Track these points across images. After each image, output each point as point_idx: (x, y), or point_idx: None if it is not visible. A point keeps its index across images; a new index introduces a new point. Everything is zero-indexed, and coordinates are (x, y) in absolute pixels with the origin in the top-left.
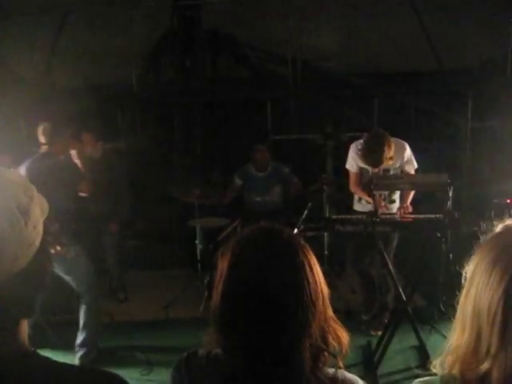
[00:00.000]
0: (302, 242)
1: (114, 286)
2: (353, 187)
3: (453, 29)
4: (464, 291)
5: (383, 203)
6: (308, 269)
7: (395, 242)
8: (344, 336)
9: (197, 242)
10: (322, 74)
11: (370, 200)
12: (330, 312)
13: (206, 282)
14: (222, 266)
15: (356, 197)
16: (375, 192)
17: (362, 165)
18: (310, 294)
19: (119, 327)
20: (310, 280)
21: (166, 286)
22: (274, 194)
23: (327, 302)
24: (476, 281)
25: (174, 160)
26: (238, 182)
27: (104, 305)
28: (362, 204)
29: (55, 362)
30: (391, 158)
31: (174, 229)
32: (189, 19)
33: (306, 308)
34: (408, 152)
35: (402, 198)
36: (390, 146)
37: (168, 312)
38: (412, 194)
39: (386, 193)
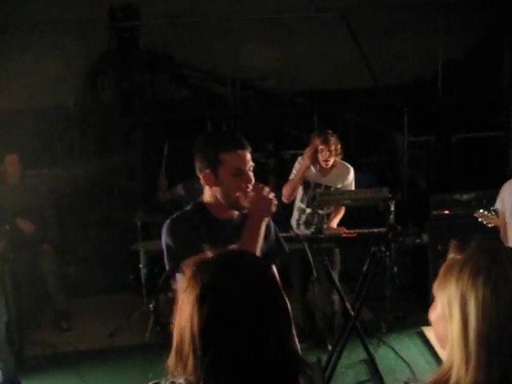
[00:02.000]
0: (266, 264)
1: (57, 314)
2: (288, 193)
3: (386, 47)
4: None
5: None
6: (277, 290)
7: (339, 258)
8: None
9: (140, 266)
10: (261, 93)
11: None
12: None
13: (151, 307)
14: (189, 296)
15: (294, 222)
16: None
17: (307, 176)
18: (283, 313)
19: (63, 358)
20: (280, 301)
21: (111, 313)
22: None
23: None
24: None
25: (115, 183)
26: (181, 191)
27: (47, 335)
28: (300, 230)
29: None
30: (336, 152)
31: (117, 253)
32: (126, 40)
33: (283, 329)
34: (352, 176)
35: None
36: (337, 138)
37: (113, 340)
38: (340, 215)
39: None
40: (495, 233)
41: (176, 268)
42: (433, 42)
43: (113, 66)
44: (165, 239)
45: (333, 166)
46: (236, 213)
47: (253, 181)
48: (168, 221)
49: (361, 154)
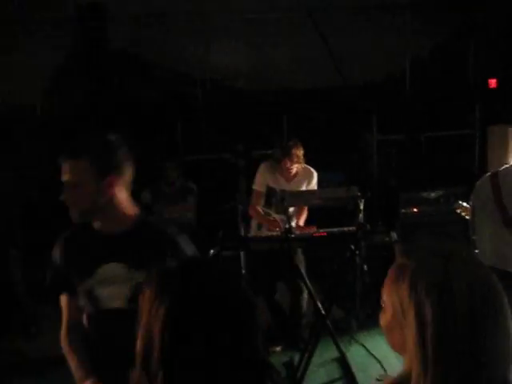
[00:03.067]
0: (226, 272)
1: (25, 319)
2: (253, 208)
3: (355, 46)
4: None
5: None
6: (248, 298)
7: (302, 257)
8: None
9: None
10: (231, 93)
11: (267, 222)
12: None
13: None
14: (151, 309)
15: (254, 224)
16: (277, 216)
17: (272, 183)
18: (254, 322)
19: (33, 366)
20: (248, 301)
21: None
22: (183, 210)
23: None
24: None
25: None
26: (147, 196)
27: (15, 342)
28: (262, 232)
29: None
30: (298, 160)
31: None
32: (94, 40)
33: (254, 337)
34: (315, 180)
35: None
36: (299, 146)
37: None
38: (305, 214)
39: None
40: (465, 229)
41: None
42: (401, 40)
43: (80, 66)
44: None
45: (296, 172)
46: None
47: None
48: None
49: (330, 152)
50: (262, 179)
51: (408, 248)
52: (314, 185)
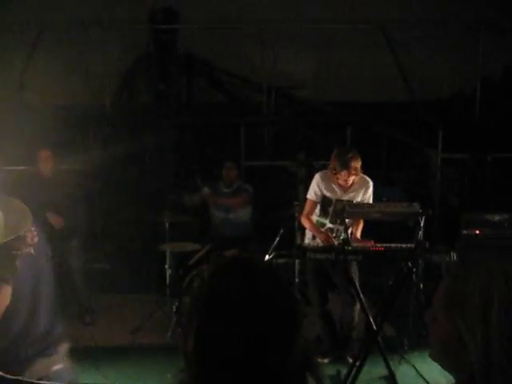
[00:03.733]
0: (276, 272)
1: (82, 309)
2: (305, 217)
3: (425, 61)
4: None
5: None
6: (287, 297)
7: (357, 273)
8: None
9: (166, 266)
10: (295, 101)
11: (317, 234)
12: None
13: (174, 308)
14: (195, 302)
15: (309, 233)
16: (332, 226)
17: (327, 193)
18: (293, 321)
19: (84, 353)
20: (290, 307)
21: (134, 311)
22: (239, 212)
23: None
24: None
25: (145, 183)
26: (206, 190)
27: (70, 329)
28: (316, 241)
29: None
30: (356, 172)
31: (144, 252)
32: (165, 43)
33: (291, 335)
34: (371, 189)
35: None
36: (357, 157)
37: (135, 338)
38: (361, 226)
39: (342, 228)
40: None
41: None
42: (472, 59)
43: (150, 67)
44: None
45: (353, 181)
46: None
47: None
48: None
49: (392, 168)
50: (317, 189)
51: (469, 266)
52: (369, 194)
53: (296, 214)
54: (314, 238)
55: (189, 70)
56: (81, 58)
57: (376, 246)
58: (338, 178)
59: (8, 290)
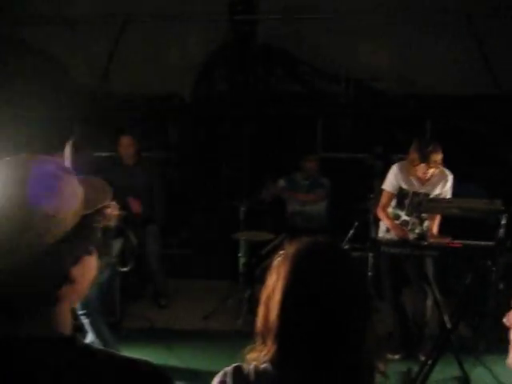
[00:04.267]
0: (354, 259)
1: (157, 291)
2: (381, 209)
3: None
4: None
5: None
6: (363, 283)
7: (431, 269)
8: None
9: (240, 254)
10: (374, 93)
11: (392, 227)
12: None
13: (246, 295)
14: (278, 278)
15: (383, 226)
16: (407, 218)
17: (405, 185)
18: (367, 307)
19: (158, 334)
20: (365, 293)
21: (207, 297)
22: (315, 205)
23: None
24: None
25: (222, 172)
26: (282, 183)
27: (146, 310)
28: (390, 234)
29: (98, 350)
30: (435, 165)
31: (218, 240)
32: (243, 34)
33: (365, 321)
34: (450, 183)
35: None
36: (438, 150)
37: (207, 323)
38: (438, 221)
39: (417, 221)
40: None
41: None
42: None
43: (229, 58)
44: None
45: (432, 174)
46: None
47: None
48: None
49: (473, 164)
50: (394, 180)
51: None
52: (448, 188)
53: (371, 207)
54: (388, 230)
55: (267, 60)
56: (161, 50)
57: (453, 243)
58: (416, 171)
59: (93, 261)
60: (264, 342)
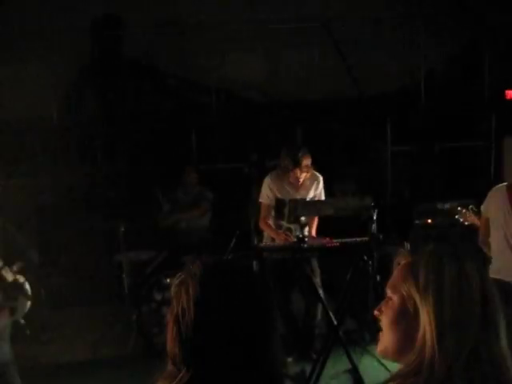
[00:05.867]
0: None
1: (36, 327)
2: (263, 221)
3: (369, 57)
4: None
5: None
6: (266, 294)
7: (317, 267)
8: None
9: (123, 276)
10: (245, 103)
11: (276, 237)
12: None
13: (134, 318)
14: (188, 299)
15: (266, 235)
16: (290, 225)
17: (280, 194)
18: (272, 317)
19: (44, 370)
20: (270, 304)
21: (92, 324)
22: (200, 218)
23: None
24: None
25: (97, 193)
26: (166, 206)
27: (27, 347)
28: (275, 242)
29: None
30: (307, 169)
31: (99, 263)
32: (109, 50)
33: (273, 332)
34: (322, 185)
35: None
36: (307, 155)
37: (95, 352)
38: (315, 224)
39: (297, 226)
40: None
41: None
42: (415, 52)
43: (96, 76)
44: None
45: (304, 179)
46: None
47: None
48: None
49: (343, 164)
50: (270, 192)
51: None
52: (321, 189)
53: (251, 216)
54: (273, 240)
55: (135, 76)
56: (24, 68)
57: (331, 242)
58: (289, 177)
59: None
60: (173, 367)
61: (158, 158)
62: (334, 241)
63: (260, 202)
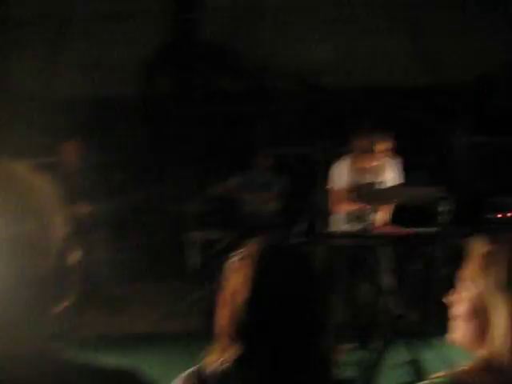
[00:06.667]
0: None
1: (109, 298)
2: (337, 203)
3: (448, 45)
4: None
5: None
6: (321, 279)
7: (389, 256)
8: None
9: (191, 254)
10: (318, 88)
11: (353, 207)
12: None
13: (199, 296)
14: (243, 278)
15: (341, 218)
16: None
17: (351, 178)
18: (327, 302)
19: (113, 340)
20: (324, 289)
21: (158, 300)
22: (271, 202)
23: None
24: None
25: (169, 172)
26: (233, 181)
27: (95, 317)
28: (348, 226)
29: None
30: (382, 154)
31: (169, 241)
32: (185, 32)
33: (325, 317)
34: (395, 171)
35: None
36: (383, 140)
37: (160, 326)
38: (388, 211)
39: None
40: None
41: None
42: (496, 39)
43: (170, 57)
44: None
45: (377, 164)
46: None
47: None
48: None
49: (416, 153)
50: (342, 175)
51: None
52: (394, 175)
53: (319, 201)
54: (347, 222)
55: (209, 58)
56: (103, 50)
57: (400, 231)
58: (364, 162)
59: None
60: (224, 343)
61: (229, 140)
62: (402, 229)
63: (331, 187)
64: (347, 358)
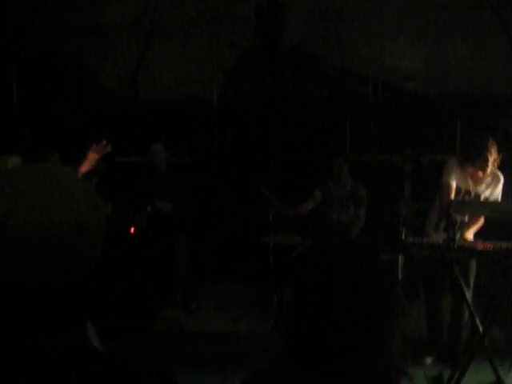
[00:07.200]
0: (380, 267)
1: (186, 296)
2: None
3: None
4: None
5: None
6: (389, 288)
7: (474, 271)
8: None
9: (269, 258)
10: (403, 94)
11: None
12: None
13: (275, 298)
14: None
15: (431, 226)
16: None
17: (458, 183)
18: (392, 311)
19: (187, 337)
20: (390, 298)
21: (236, 300)
22: (351, 213)
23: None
24: None
25: (251, 176)
26: (318, 194)
27: (175, 314)
28: (437, 234)
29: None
30: (493, 165)
31: (248, 244)
32: (271, 37)
33: (389, 325)
34: (501, 187)
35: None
36: (495, 150)
37: (235, 326)
38: (478, 225)
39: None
40: None
41: None
42: None
43: (257, 62)
44: None
45: (485, 175)
46: None
47: None
48: None
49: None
50: (453, 177)
51: None
52: (499, 191)
53: (402, 210)
54: (435, 230)
55: (294, 63)
56: (189, 55)
57: (484, 245)
58: (476, 170)
59: None
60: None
61: (311, 146)
62: (487, 243)
63: (447, 183)
64: (428, 375)
